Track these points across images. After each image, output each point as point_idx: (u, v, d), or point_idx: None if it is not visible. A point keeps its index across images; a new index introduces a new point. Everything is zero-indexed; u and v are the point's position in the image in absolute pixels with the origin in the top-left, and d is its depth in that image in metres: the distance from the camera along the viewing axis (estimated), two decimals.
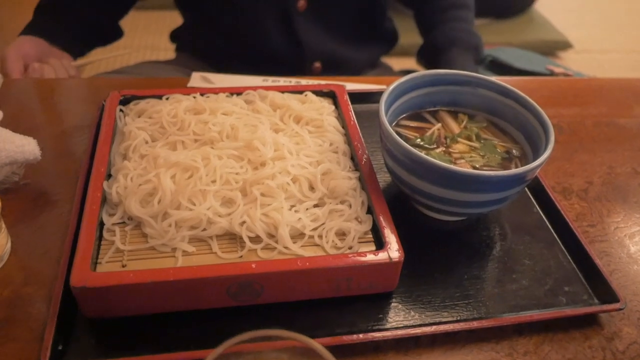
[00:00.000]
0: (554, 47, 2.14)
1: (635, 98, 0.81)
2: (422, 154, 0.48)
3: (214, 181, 0.50)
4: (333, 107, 0.62)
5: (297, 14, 0.89)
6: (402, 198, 0.58)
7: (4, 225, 0.50)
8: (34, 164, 0.57)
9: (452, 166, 0.47)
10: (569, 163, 0.67)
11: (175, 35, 1.09)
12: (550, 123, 0.52)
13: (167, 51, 1.39)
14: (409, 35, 1.13)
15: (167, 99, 0.60)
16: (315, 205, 0.51)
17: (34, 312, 0.46)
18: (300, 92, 0.63)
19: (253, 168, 0.52)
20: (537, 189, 0.60)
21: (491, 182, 0.48)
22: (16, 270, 0.49)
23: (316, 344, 0.33)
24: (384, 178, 0.60)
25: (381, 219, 0.49)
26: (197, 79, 0.75)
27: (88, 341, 0.43)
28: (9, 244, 0.50)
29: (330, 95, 0.65)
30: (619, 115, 0.76)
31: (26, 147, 0.55)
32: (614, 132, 0.73)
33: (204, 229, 0.47)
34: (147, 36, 2.10)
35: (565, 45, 2.15)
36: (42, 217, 0.54)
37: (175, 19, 1.09)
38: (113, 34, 0.98)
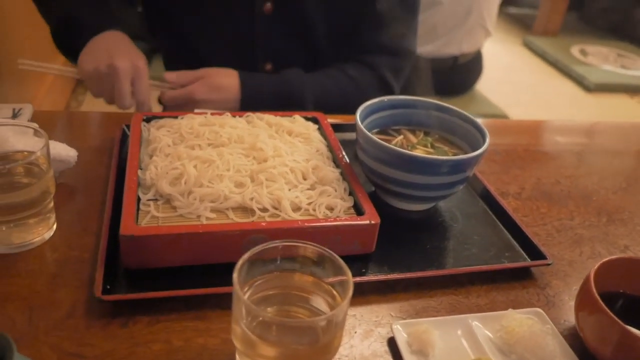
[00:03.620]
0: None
1: (556, 133, 1.00)
2: (390, 145, 0.63)
3: (227, 170, 0.63)
4: (317, 126, 0.77)
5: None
6: (373, 197, 0.71)
7: (52, 205, 0.60)
8: (70, 169, 0.69)
9: (412, 152, 0.62)
10: (506, 175, 0.83)
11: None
12: (486, 130, 0.68)
13: None
14: None
15: (182, 118, 0.74)
16: (308, 189, 0.64)
17: (79, 267, 0.56)
18: (290, 117, 0.78)
19: (258, 162, 0.65)
20: (481, 191, 0.75)
21: (443, 164, 0.62)
22: (61, 240, 0.59)
23: (328, 251, 0.45)
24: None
25: (360, 196, 0.62)
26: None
27: (128, 283, 0.53)
28: (55, 221, 0.61)
29: (313, 120, 0.80)
30: (543, 145, 0.94)
31: (70, 153, 0.67)
32: (539, 156, 0.90)
33: (222, 202, 0.59)
34: None
35: (505, 119, 2.42)
36: (77, 206, 0.65)
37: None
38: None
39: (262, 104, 0.90)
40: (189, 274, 0.55)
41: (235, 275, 0.41)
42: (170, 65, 1.12)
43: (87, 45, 0.85)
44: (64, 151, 0.67)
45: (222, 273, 0.52)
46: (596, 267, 0.53)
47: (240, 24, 0.96)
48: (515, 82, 3.13)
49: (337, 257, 0.44)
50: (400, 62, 1.05)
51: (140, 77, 0.84)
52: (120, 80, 0.81)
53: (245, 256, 0.44)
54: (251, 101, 0.93)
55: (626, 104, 3.09)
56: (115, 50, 0.83)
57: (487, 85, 2.67)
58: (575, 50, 3.58)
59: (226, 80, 0.92)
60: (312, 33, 0.98)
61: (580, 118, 2.84)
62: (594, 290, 0.51)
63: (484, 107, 2.44)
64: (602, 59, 3.51)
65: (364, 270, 0.59)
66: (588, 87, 3.13)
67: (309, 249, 0.45)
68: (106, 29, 0.88)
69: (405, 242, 0.65)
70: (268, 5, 0.93)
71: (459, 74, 2.38)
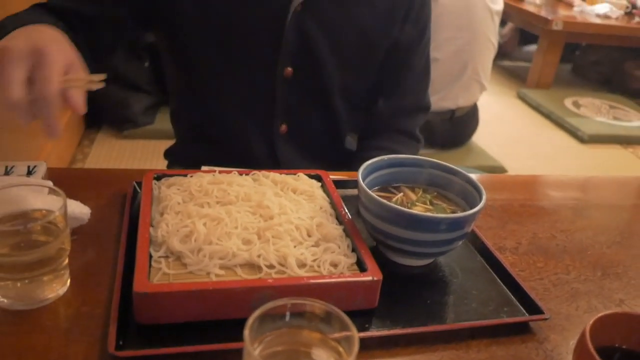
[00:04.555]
0: (492, 172, 2.45)
1: (551, 187, 1.03)
2: (391, 202, 0.66)
3: (235, 227, 0.65)
4: (320, 184, 0.80)
5: (278, 136, 1.03)
6: (375, 252, 0.74)
7: (67, 262, 0.63)
8: (82, 225, 0.72)
9: (413, 210, 0.65)
10: (502, 231, 0.86)
11: (168, 152, 1.25)
12: (482, 188, 0.72)
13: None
14: None
15: (191, 176, 0.77)
16: (313, 246, 0.66)
17: (92, 324, 0.58)
18: (294, 174, 0.82)
19: (264, 220, 0.68)
20: (479, 246, 0.78)
21: (442, 222, 0.65)
22: (75, 296, 0.61)
23: (335, 308, 0.47)
24: None
25: (363, 253, 0.65)
26: (206, 169, 0.92)
27: (140, 338, 0.55)
28: (69, 277, 0.63)
29: (316, 177, 0.83)
30: (539, 200, 0.98)
31: (84, 210, 0.71)
32: (535, 210, 0.93)
33: (230, 259, 0.62)
34: (144, 161, 2.31)
35: (502, 171, 2.47)
36: (90, 262, 0.67)
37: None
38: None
39: None
40: (199, 329, 0.57)
41: (246, 333, 0.43)
42: (179, 120, 1.15)
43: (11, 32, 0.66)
44: (77, 209, 0.70)
45: (231, 328, 0.54)
46: (591, 322, 0.55)
47: (260, 87, 0.98)
48: (510, 133, 3.20)
49: (342, 313, 0.46)
50: (424, 118, 1.14)
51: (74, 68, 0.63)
52: (48, 63, 0.58)
53: (256, 314, 0.46)
54: None
55: (620, 155, 3.15)
56: (44, 37, 0.64)
57: (484, 137, 2.73)
58: (568, 102, 3.67)
59: None
60: (329, 96, 1.02)
61: (576, 168, 2.90)
62: (590, 345, 0.53)
63: (481, 159, 2.49)
64: (595, 110, 3.60)
65: (367, 325, 0.61)
66: (582, 139, 3.20)
67: (317, 306, 0.47)
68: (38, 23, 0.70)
69: (407, 297, 0.67)
70: (289, 69, 0.95)
71: (456, 127, 2.45)
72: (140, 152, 2.37)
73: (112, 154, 2.34)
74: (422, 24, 1.05)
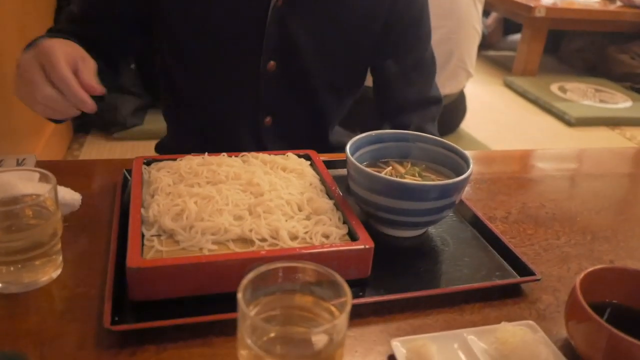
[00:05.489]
0: None
1: (539, 161, 1.05)
2: (380, 174, 0.66)
3: (226, 204, 0.66)
4: (309, 162, 0.81)
5: (264, 128, 1.04)
6: (366, 226, 0.74)
7: (60, 246, 0.63)
8: (73, 212, 0.72)
9: (401, 179, 0.66)
10: (492, 202, 0.86)
11: (159, 146, 1.26)
12: (470, 157, 0.72)
13: None
14: None
15: (180, 160, 0.77)
16: (304, 219, 0.67)
17: (87, 304, 0.58)
18: (283, 155, 0.82)
19: (255, 197, 0.69)
20: (470, 216, 0.79)
21: (431, 190, 0.66)
22: (69, 279, 0.61)
23: (325, 268, 0.47)
24: None
25: (354, 224, 0.65)
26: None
27: (135, 314, 0.55)
28: (62, 261, 0.63)
29: (305, 157, 0.84)
30: (527, 172, 0.99)
31: (74, 196, 0.71)
32: (524, 182, 0.94)
33: (222, 235, 0.62)
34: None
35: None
36: (82, 247, 0.67)
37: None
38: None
39: None
40: (194, 303, 0.57)
41: (239, 295, 0.44)
42: (169, 114, 1.16)
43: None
44: (68, 195, 0.70)
45: (225, 301, 0.54)
46: (582, 276, 0.56)
47: (244, 81, 0.99)
48: (498, 120, 3.22)
49: (335, 274, 0.47)
50: (437, 110, 1.10)
51: (86, 65, 0.72)
52: (57, 61, 0.67)
53: (249, 276, 0.46)
54: None
55: (608, 136, 3.17)
56: (48, 42, 0.70)
57: (472, 124, 2.75)
58: (554, 88, 3.70)
59: None
60: (314, 89, 1.02)
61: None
62: (581, 298, 0.54)
63: (471, 145, 2.50)
64: (581, 94, 3.63)
65: (361, 293, 0.62)
66: (569, 122, 3.23)
67: (309, 269, 0.48)
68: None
69: (399, 267, 0.67)
70: (271, 63, 0.95)
71: (443, 115, 2.44)
72: (130, 153, 2.36)
73: (102, 156, 2.33)
74: (415, 10, 1.02)
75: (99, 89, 0.72)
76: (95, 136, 2.48)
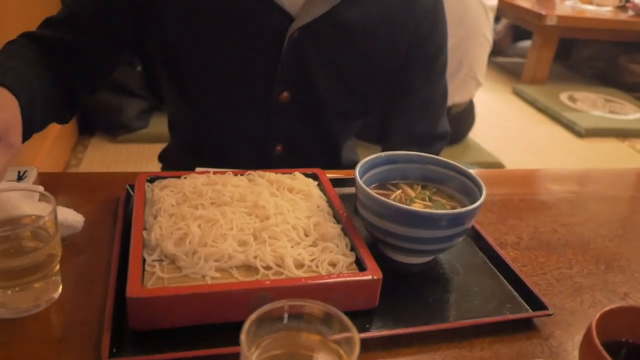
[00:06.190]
0: (490, 167, 2.44)
1: (550, 181, 1.02)
2: (390, 200, 0.64)
3: (231, 229, 0.64)
4: (317, 182, 0.79)
5: (274, 156, 1.01)
6: (374, 251, 0.72)
7: (58, 268, 0.61)
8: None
9: (412, 207, 0.64)
10: (503, 226, 0.84)
11: (162, 156, 1.24)
12: (482, 183, 0.70)
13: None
14: None
15: (185, 178, 0.76)
16: (310, 246, 0.65)
17: (85, 331, 0.56)
18: (290, 174, 0.80)
19: (260, 220, 0.67)
20: (480, 242, 0.76)
21: (442, 218, 0.64)
22: (67, 303, 0.60)
23: (334, 309, 0.45)
24: None
25: (362, 252, 0.63)
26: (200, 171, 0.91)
27: (135, 345, 0.54)
28: (61, 283, 0.61)
29: (312, 176, 0.82)
30: (539, 194, 0.96)
31: (77, 218, 0.69)
32: (536, 205, 0.92)
33: (226, 261, 0.60)
34: (139, 165, 2.29)
35: (499, 166, 2.46)
36: (82, 268, 0.66)
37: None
38: (72, 111, 0.90)
39: None
40: (196, 333, 0.56)
41: (243, 337, 0.42)
42: (174, 128, 1.13)
43: None
44: (70, 216, 0.69)
45: (228, 331, 0.53)
46: (597, 316, 0.54)
47: (256, 110, 0.96)
48: (507, 129, 3.19)
49: (342, 314, 0.45)
50: (441, 146, 1.08)
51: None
52: None
53: (253, 317, 0.44)
54: None
55: (617, 148, 3.14)
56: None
57: (480, 133, 2.72)
58: (564, 97, 3.67)
59: None
60: (325, 117, 1.00)
61: (573, 163, 2.89)
62: (597, 341, 0.51)
63: (479, 155, 2.48)
64: (591, 104, 3.60)
65: (367, 325, 0.60)
66: (579, 133, 3.20)
67: (315, 307, 0.46)
68: None
69: (408, 296, 0.65)
70: (285, 94, 0.93)
71: (452, 124, 2.42)
72: (135, 156, 2.35)
73: (106, 158, 2.32)
74: (435, 44, 1.00)
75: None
76: (100, 138, 2.47)
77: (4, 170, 0.60)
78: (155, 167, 1.22)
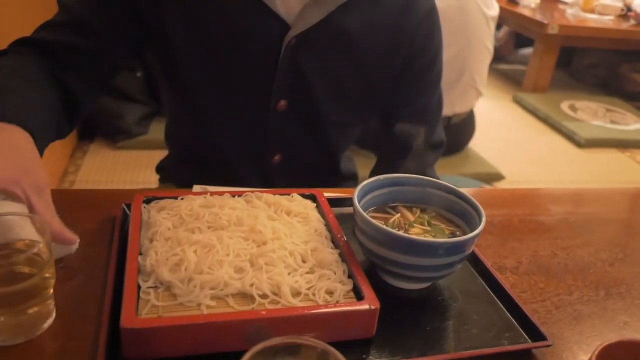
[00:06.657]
0: (489, 178, 2.44)
1: (550, 202, 1.02)
2: (389, 228, 0.64)
3: (227, 254, 0.63)
4: (315, 205, 0.78)
5: (272, 165, 1.01)
6: (372, 275, 0.72)
7: (52, 292, 0.60)
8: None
9: (411, 236, 0.63)
10: (502, 248, 0.84)
11: (160, 168, 1.23)
12: (482, 209, 0.70)
13: (151, 185, 1.52)
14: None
15: (182, 199, 0.75)
16: (307, 273, 0.64)
17: (79, 358, 0.55)
18: (288, 195, 0.79)
19: (257, 246, 0.66)
20: (479, 266, 0.76)
21: (440, 247, 0.63)
22: (61, 329, 0.59)
23: (331, 348, 0.45)
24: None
25: (359, 279, 0.63)
26: (197, 190, 0.90)
27: None
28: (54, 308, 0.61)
29: (311, 197, 0.81)
30: (538, 214, 0.96)
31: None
32: (535, 226, 0.91)
33: (222, 289, 0.59)
34: (138, 172, 2.28)
35: (499, 177, 2.46)
36: (76, 291, 0.65)
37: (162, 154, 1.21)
38: (72, 124, 0.88)
39: None
40: None
41: None
42: (172, 138, 1.13)
43: None
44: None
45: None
46: (596, 352, 0.53)
47: (253, 118, 0.96)
48: (507, 138, 3.19)
49: (339, 354, 0.44)
50: (437, 155, 1.07)
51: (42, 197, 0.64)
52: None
53: (247, 355, 0.44)
54: None
55: (617, 159, 3.14)
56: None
57: (480, 142, 2.72)
58: (564, 106, 3.67)
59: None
60: (323, 125, 1.00)
61: (573, 173, 2.88)
62: None
63: (478, 165, 2.48)
64: (592, 114, 3.59)
65: (364, 356, 0.59)
66: (579, 143, 3.19)
67: (312, 344, 0.45)
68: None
69: (405, 324, 0.65)
70: (282, 102, 0.93)
71: (452, 134, 2.43)
72: (134, 163, 2.35)
73: (105, 165, 2.32)
74: (431, 53, 1.00)
75: (72, 237, 0.66)
76: (99, 144, 2.47)
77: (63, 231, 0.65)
78: (154, 176, 1.22)
